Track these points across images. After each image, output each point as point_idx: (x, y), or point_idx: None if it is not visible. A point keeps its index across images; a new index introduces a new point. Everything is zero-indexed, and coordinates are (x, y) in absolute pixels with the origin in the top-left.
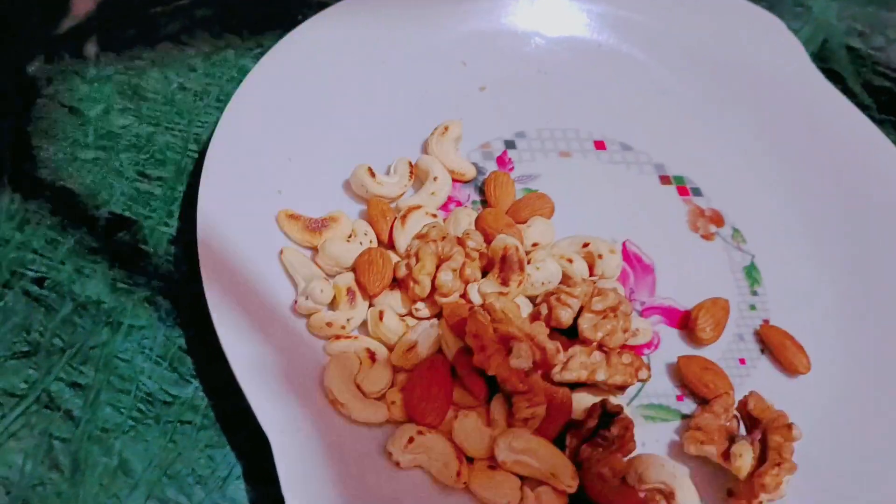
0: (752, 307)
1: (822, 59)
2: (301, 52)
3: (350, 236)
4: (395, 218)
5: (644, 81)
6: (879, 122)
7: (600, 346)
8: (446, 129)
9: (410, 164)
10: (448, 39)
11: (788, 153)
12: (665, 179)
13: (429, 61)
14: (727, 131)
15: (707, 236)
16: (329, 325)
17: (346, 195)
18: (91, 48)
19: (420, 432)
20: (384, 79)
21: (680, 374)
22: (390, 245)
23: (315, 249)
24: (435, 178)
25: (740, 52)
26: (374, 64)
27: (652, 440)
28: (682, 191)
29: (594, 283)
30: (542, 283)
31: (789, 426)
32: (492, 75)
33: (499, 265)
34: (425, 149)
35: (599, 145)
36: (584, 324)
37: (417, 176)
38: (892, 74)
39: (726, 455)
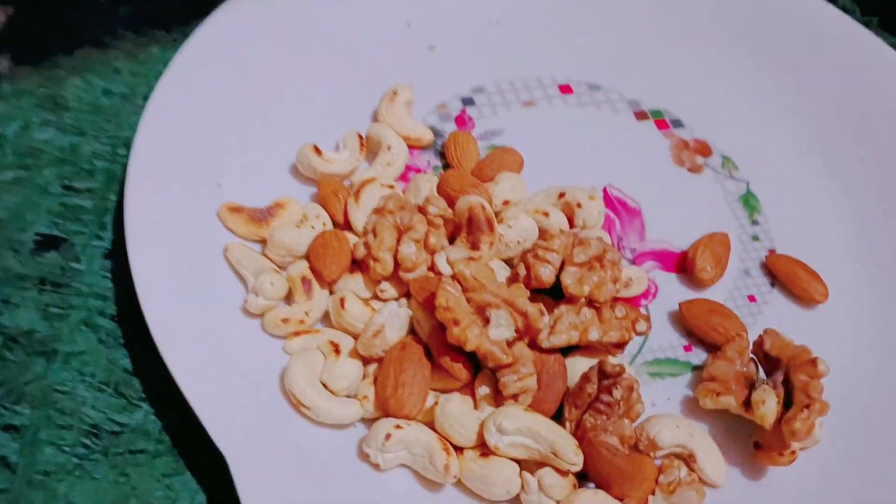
0: (755, 238)
1: None
2: (227, 32)
3: (301, 222)
4: (349, 195)
5: (605, 13)
6: (865, 24)
7: (590, 302)
8: (395, 93)
9: (360, 136)
10: (387, 1)
11: (772, 67)
12: (641, 115)
13: (369, 25)
14: (702, 53)
15: (695, 169)
16: (285, 321)
17: (294, 179)
18: (4, 63)
19: (398, 426)
20: (323, 49)
21: (684, 321)
22: (347, 226)
23: (264, 242)
24: (388, 148)
25: None
26: (310, 35)
27: (662, 399)
28: (662, 124)
29: (575, 234)
30: (518, 242)
31: (814, 361)
32: (440, 32)
33: (466, 228)
34: (375, 118)
35: (565, 89)
36: (568, 278)
37: (369, 148)
38: None
39: (747, 404)
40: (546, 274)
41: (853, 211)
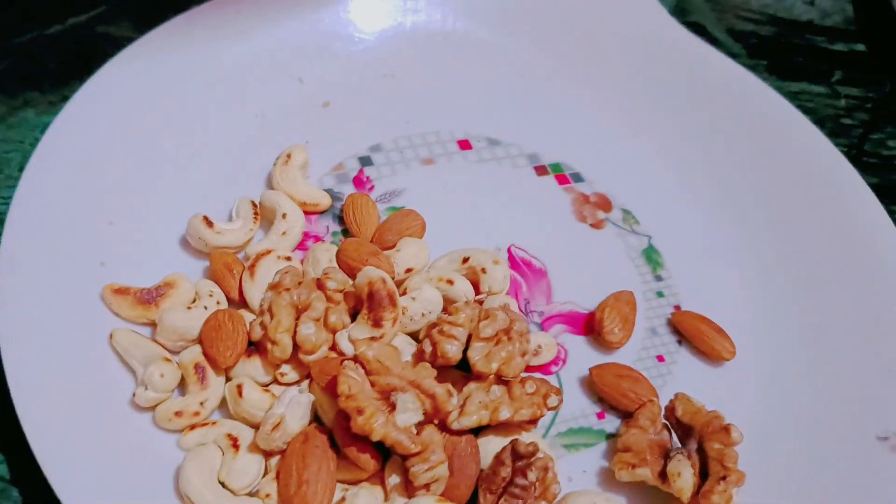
0: (660, 294)
1: (682, 12)
2: (109, 95)
3: (194, 301)
4: (244, 269)
5: (500, 67)
6: (752, 68)
7: (499, 378)
8: (289, 156)
9: (253, 203)
10: (277, 56)
11: (666, 118)
12: (541, 170)
13: (260, 82)
14: (597, 106)
15: (596, 224)
16: (178, 414)
17: (185, 253)
18: None
19: None
20: (211, 112)
21: (595, 387)
22: (242, 303)
23: (155, 325)
24: (284, 216)
25: (597, 19)
26: (198, 96)
27: (578, 472)
28: (562, 179)
29: (480, 303)
30: (423, 315)
31: (727, 428)
32: (334, 88)
33: (367, 305)
34: (270, 183)
35: (464, 145)
36: (475, 355)
37: (264, 216)
38: (754, 17)
39: (664, 475)
40: (453, 351)
41: (754, 262)
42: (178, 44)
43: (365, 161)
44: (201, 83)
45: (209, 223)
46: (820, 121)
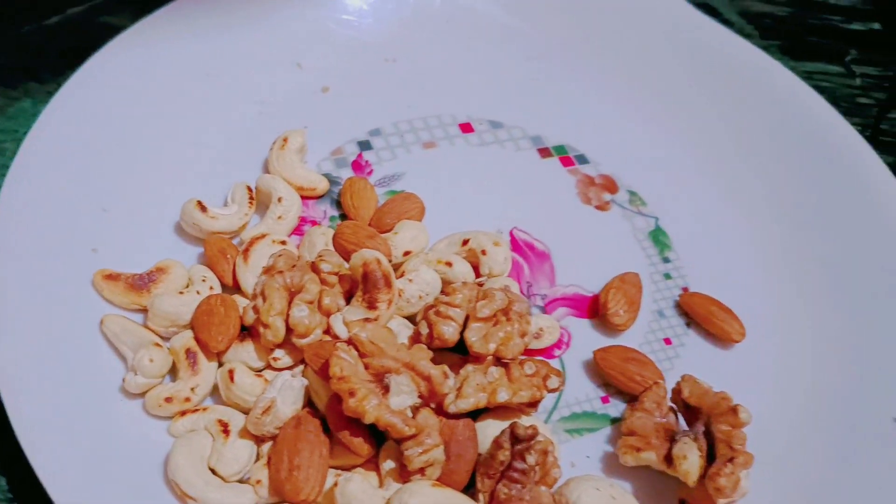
0: (667, 276)
1: None
2: (103, 80)
3: (186, 287)
4: (238, 254)
5: (504, 48)
6: (765, 49)
7: (497, 359)
8: (286, 140)
9: (249, 188)
10: (275, 41)
11: (675, 97)
12: (545, 152)
13: (258, 69)
14: (603, 87)
15: (602, 206)
16: (169, 400)
17: (179, 239)
18: None
19: None
20: (209, 96)
21: (599, 371)
22: (236, 288)
23: (147, 311)
24: (279, 200)
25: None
26: (196, 81)
27: (582, 457)
28: (566, 161)
29: (479, 285)
30: (420, 297)
31: (735, 409)
32: (333, 73)
33: (362, 285)
34: (266, 168)
35: (466, 128)
36: (472, 336)
37: (260, 200)
38: None
39: (669, 459)
40: (449, 332)
41: (766, 243)
42: (174, 30)
43: (364, 145)
44: (198, 69)
45: (203, 208)
46: (835, 100)
